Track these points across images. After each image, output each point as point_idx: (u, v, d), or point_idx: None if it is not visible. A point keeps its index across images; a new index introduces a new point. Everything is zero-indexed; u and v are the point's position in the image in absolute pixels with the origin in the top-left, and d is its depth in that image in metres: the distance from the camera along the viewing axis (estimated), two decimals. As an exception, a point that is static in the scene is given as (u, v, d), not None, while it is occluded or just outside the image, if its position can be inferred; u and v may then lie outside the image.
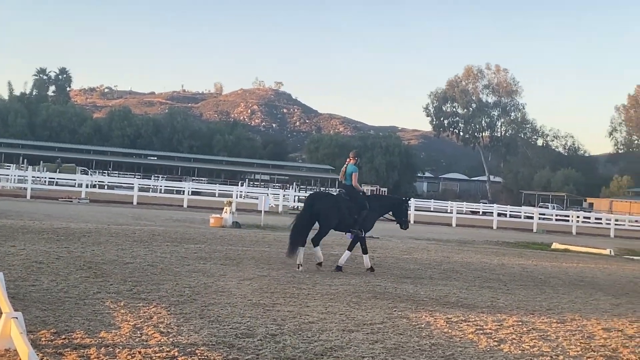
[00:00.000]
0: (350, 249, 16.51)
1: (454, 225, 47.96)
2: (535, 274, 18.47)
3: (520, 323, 10.56)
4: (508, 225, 52.77)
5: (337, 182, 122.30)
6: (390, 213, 17.33)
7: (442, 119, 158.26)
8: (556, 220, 62.28)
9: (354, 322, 9.63)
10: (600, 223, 63.96)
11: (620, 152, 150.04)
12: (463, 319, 10.55)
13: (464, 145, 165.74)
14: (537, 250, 30.14)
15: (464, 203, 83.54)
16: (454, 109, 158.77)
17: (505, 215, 64.20)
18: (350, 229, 16.25)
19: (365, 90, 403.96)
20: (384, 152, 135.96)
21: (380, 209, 17.00)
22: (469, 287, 14.53)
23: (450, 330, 9.59)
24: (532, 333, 9.85)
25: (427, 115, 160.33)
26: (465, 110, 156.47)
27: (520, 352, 8.63)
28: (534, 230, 49.07)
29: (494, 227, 49.30)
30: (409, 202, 17.72)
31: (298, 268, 15.38)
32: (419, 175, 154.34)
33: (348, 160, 16.71)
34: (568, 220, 57.96)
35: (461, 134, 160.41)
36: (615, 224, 56.82)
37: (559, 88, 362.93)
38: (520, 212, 68.43)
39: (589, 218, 65.28)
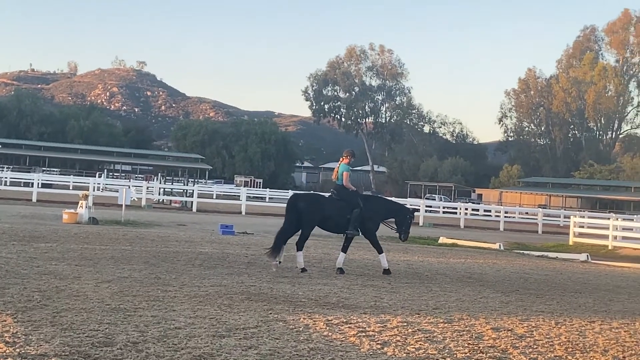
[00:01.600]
0: (344, 250, 17.42)
1: (335, 219, 48.33)
2: (421, 271, 18.88)
3: (405, 324, 10.76)
4: (393, 218, 53.61)
5: (206, 173, 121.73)
6: (394, 220, 18.24)
7: (322, 103, 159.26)
8: (443, 212, 63.84)
9: (225, 327, 9.60)
10: (490, 215, 66.04)
11: (510, 139, 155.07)
12: (344, 320, 10.67)
13: (346, 132, 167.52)
14: (424, 245, 30.83)
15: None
16: (335, 93, 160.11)
17: (390, 207, 65.00)
18: (346, 231, 17.20)
19: (238, 72, 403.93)
20: (259, 139, 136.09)
21: (382, 212, 17.99)
22: (350, 286, 14.70)
23: (330, 333, 9.68)
24: (417, 334, 10.05)
25: (306, 100, 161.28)
26: (347, 94, 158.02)
27: (405, 355, 8.79)
28: (420, 223, 50.17)
29: (378, 220, 49.96)
30: (415, 212, 18.62)
31: (278, 263, 16.59)
32: (297, 165, 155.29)
33: (341, 159, 17.63)
34: (456, 213, 59.58)
35: (343, 119, 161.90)
36: (505, 217, 58.77)
37: (447, 71, 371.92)
38: (405, 204, 69.56)
39: (477, 210, 67.32)
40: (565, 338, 10.61)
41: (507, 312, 12.76)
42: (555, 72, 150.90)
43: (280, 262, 16.74)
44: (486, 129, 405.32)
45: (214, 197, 70.09)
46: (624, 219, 52.31)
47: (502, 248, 31.35)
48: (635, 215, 70.71)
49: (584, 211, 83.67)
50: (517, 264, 23.98)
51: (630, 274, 23.65)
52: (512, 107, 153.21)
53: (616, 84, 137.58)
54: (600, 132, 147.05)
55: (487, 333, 10.54)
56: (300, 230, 17.02)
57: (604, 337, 10.97)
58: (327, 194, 18.14)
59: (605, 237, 38.99)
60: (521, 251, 31.07)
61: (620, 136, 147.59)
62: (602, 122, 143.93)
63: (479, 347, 9.53)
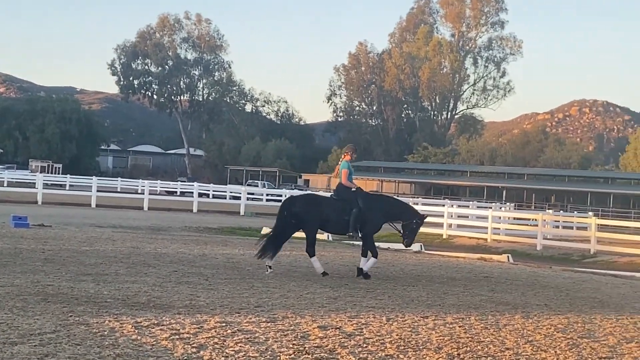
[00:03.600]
0: (363, 254, 18.18)
1: (145, 208, 48.04)
2: (243, 265, 18.92)
3: (223, 324, 10.78)
4: (211, 207, 53.75)
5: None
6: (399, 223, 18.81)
7: (131, 78, 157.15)
8: (267, 200, 64.38)
9: (18, 333, 9.36)
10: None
11: (339, 120, 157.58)
12: (155, 322, 10.60)
13: (159, 111, 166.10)
14: (245, 236, 30.99)
15: (158, 182, 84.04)
16: (146, 67, 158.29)
17: (207, 195, 65.35)
18: (347, 233, 18.19)
19: (33, 41, 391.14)
20: (59, 119, 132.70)
21: (383, 214, 18.37)
22: (163, 284, 14.60)
23: (139, 337, 9.60)
24: (237, 335, 10.10)
25: (113, 74, 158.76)
26: (159, 68, 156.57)
27: (223, 358, 8.81)
28: (242, 213, 50.44)
29: (194, 210, 50.08)
30: (424, 219, 19.09)
31: (269, 269, 17.44)
32: (102, 147, 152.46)
33: (343, 156, 18.56)
34: (280, 201, 60.04)
35: (155, 97, 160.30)
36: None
37: (271, 43, 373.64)
38: (225, 191, 69.98)
39: (304, 197, 68.04)
40: (397, 335, 10.88)
41: (335, 309, 12.98)
42: (388, 46, 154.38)
43: (270, 267, 17.49)
44: (314, 109, 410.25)
45: (5, 184, 68.26)
46: (459, 206, 54.28)
47: (330, 239, 31.84)
48: (470, 202, 73.61)
49: (417, 197, 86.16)
50: (346, 255, 24.39)
51: (466, 264, 24.47)
52: (341, 84, 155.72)
53: (452, 60, 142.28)
54: (435, 112, 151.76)
55: (313, 332, 10.69)
56: (305, 236, 17.89)
57: (437, 333, 11.31)
58: (327, 194, 18.77)
59: (440, 225, 40.30)
60: (350, 242, 31.64)
61: (456, 116, 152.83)
62: (437, 101, 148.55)
63: (305, 347, 9.66)
